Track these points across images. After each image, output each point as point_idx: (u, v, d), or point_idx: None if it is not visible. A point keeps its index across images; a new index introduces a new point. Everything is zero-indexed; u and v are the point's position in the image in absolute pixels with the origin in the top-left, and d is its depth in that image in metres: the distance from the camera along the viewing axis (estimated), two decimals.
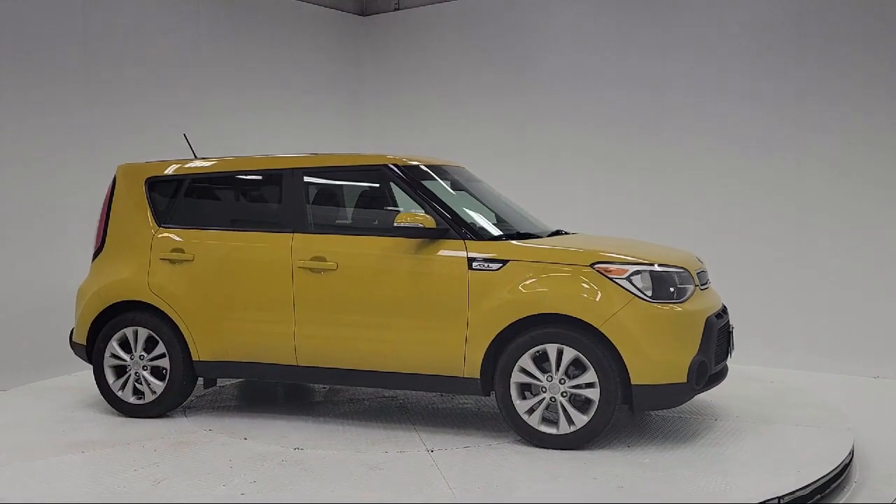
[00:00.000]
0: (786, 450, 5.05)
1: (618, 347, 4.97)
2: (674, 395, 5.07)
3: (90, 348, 6.10)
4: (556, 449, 5.07)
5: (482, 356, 5.23)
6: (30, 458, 5.07)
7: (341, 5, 9.75)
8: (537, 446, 5.13)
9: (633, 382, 4.97)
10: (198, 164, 6.16)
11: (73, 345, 6.30)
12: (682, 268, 5.25)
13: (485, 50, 9.17)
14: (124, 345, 6.00)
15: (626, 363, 4.96)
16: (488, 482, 4.57)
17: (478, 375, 5.26)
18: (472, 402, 6.29)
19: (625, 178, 8.40)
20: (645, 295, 5.03)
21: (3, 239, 7.09)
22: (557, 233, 5.92)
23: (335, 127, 9.70)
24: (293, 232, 5.70)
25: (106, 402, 6.08)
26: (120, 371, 6.03)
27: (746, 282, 7.74)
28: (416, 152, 6.05)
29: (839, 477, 4.76)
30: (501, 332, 5.17)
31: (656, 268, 5.13)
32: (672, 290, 5.12)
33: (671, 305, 5.07)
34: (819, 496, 4.51)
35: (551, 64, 8.86)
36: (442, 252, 5.33)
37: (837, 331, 7.56)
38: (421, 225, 5.30)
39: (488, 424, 5.68)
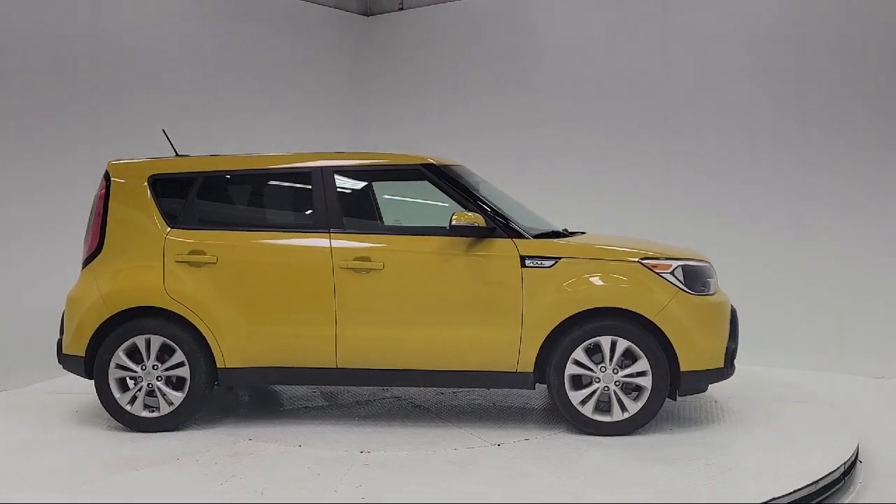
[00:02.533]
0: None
1: (669, 337, 5.33)
2: (712, 379, 5.52)
3: (88, 360, 5.62)
4: (609, 436, 5.35)
5: (537, 351, 5.40)
6: (91, 479, 4.65)
7: (345, 5, 9.67)
8: (592, 434, 5.38)
9: (681, 369, 5.35)
10: (212, 161, 5.86)
11: (63, 357, 5.76)
12: (707, 262, 5.71)
13: (489, 49, 9.19)
14: (131, 355, 5.59)
15: (676, 352, 5.33)
16: (584, 470, 4.75)
17: (531, 369, 5.43)
18: (479, 396, 6.42)
19: (627, 179, 8.56)
20: (686, 288, 5.43)
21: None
22: (567, 232, 6.18)
23: (338, 126, 9.59)
24: (329, 232, 5.57)
25: (109, 418, 5.64)
26: (122, 383, 5.61)
27: (751, 282, 7.73)
28: (418, 151, 6.07)
29: (844, 477, 4.83)
30: (556, 326, 5.38)
31: (692, 263, 5.55)
32: (702, 283, 5.55)
33: (707, 297, 5.51)
34: (823, 496, 4.58)
35: (555, 63, 8.94)
36: (494, 250, 5.44)
37: (842, 331, 7.62)
38: (476, 224, 5.39)
39: (521, 417, 5.86)
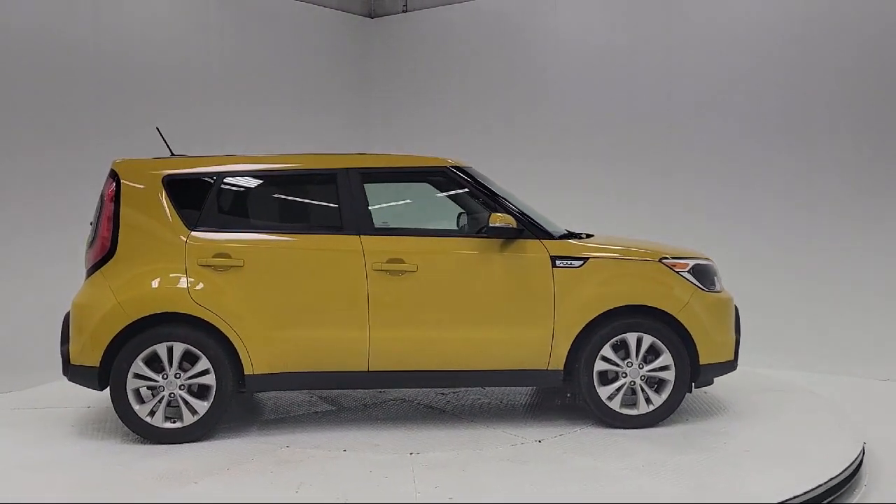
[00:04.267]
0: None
1: (691, 332, 5.61)
2: (724, 371, 5.85)
3: (102, 371, 5.32)
4: (634, 428, 5.57)
5: (568, 348, 5.56)
6: (152, 493, 4.43)
7: (349, 7, 9.62)
8: (618, 427, 5.58)
9: (701, 362, 5.65)
10: (231, 161, 5.68)
11: (71, 368, 5.41)
12: (712, 261, 6.05)
13: (493, 51, 9.14)
14: (149, 364, 5.34)
15: (696, 346, 5.62)
16: (641, 460, 4.93)
17: (561, 367, 5.59)
18: (482, 395, 6.51)
19: (631, 181, 8.59)
20: (701, 285, 5.74)
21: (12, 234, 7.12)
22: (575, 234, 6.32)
23: (343, 128, 9.50)
24: (358, 234, 5.52)
25: (115, 430, 5.39)
26: (137, 394, 5.35)
27: (756, 284, 7.78)
28: (423, 153, 6.13)
29: (850, 479, 4.86)
30: (587, 324, 5.55)
31: (702, 261, 5.87)
32: (710, 280, 5.88)
33: (717, 293, 5.84)
34: (830, 498, 4.59)
35: (559, 65, 8.93)
36: (525, 251, 5.56)
37: (848, 334, 7.64)
38: (509, 225, 5.48)
39: (541, 413, 6.00)
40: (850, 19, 7.65)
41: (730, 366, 5.84)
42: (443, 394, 6.60)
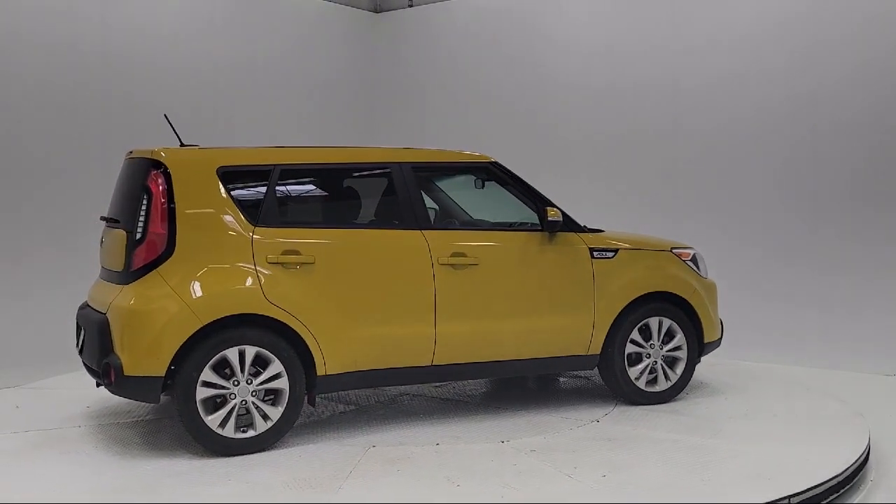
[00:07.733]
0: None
1: (699, 314, 6.25)
2: (715, 348, 6.56)
3: (166, 381, 4.85)
4: (656, 403, 6.10)
5: (605, 334, 5.96)
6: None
7: (355, 2, 9.33)
8: (643, 404, 6.07)
9: (705, 341, 6.32)
10: (286, 153, 5.40)
11: (125, 381, 4.83)
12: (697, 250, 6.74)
13: (497, 46, 8.96)
14: (216, 370, 4.95)
15: (702, 327, 6.28)
16: (702, 429, 5.45)
17: (598, 351, 5.97)
18: (482, 385, 6.71)
19: (637, 177, 8.65)
20: (698, 272, 6.41)
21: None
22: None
23: (347, 122, 9.21)
24: (419, 229, 5.51)
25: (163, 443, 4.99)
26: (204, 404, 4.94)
27: (760, 278, 7.89)
28: (428, 148, 6.25)
29: (855, 476, 4.79)
30: (621, 311, 5.99)
31: (694, 250, 6.55)
32: (701, 267, 6.57)
33: (709, 280, 6.54)
34: (834, 495, 4.53)
35: (564, 61, 8.84)
36: (569, 244, 5.87)
37: (851, 328, 7.63)
38: (559, 219, 5.77)
39: (565, 398, 6.33)
40: (857, 22, 7.81)
41: (718, 344, 6.57)
42: (439, 386, 6.68)
